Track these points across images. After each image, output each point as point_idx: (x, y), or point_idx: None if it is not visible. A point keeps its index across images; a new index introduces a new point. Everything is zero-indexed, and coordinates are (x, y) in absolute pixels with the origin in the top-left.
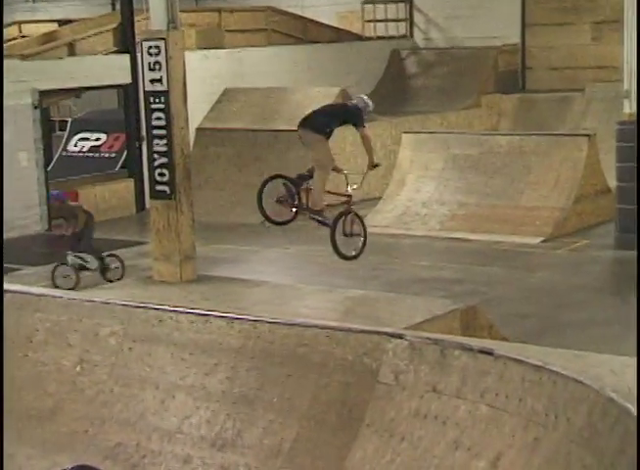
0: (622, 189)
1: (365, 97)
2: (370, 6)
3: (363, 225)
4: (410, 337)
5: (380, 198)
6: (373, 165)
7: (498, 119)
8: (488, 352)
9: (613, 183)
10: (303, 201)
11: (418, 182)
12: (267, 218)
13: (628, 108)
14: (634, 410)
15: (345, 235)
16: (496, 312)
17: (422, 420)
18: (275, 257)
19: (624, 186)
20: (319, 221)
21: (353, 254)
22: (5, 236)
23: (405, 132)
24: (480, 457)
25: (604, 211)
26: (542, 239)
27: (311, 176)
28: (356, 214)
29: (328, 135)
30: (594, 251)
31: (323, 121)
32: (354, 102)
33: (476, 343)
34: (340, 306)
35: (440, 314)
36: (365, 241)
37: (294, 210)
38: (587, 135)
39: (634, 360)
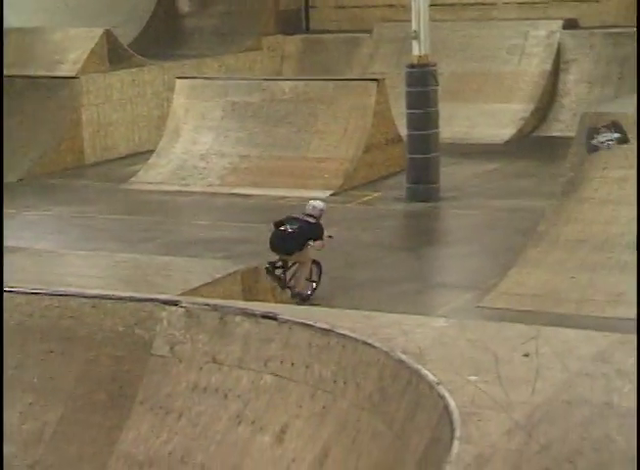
0: (413, 137)
1: (321, 204)
2: None
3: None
4: (186, 303)
5: (153, 151)
6: (328, 236)
7: (281, 63)
8: (272, 318)
9: (404, 131)
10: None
11: (195, 133)
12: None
13: (417, 50)
14: (426, 372)
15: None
16: None
17: (201, 394)
18: (34, 219)
19: (415, 134)
20: (294, 295)
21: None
22: None
23: (179, 78)
24: (264, 431)
25: (396, 162)
26: (331, 192)
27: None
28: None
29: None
30: (385, 204)
31: (298, 243)
32: (316, 214)
33: (258, 307)
34: (107, 273)
35: (220, 277)
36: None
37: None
38: (376, 80)
39: (426, 319)
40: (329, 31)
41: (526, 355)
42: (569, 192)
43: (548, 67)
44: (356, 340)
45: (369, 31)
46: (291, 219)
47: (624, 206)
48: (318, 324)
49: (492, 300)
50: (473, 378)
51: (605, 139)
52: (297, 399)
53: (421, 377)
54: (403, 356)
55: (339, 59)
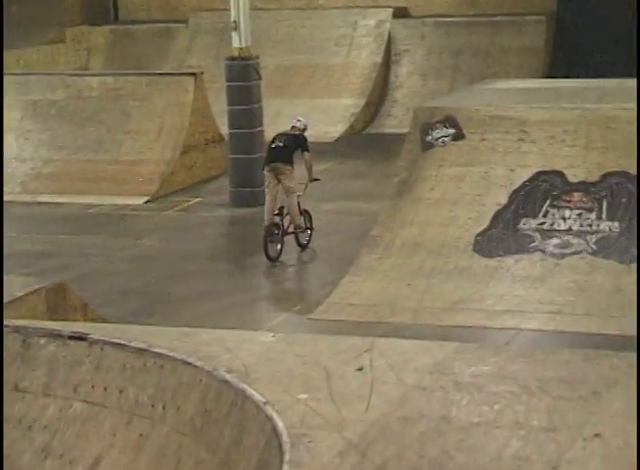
0: (235, 137)
1: (303, 119)
2: None
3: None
4: None
5: None
6: (312, 180)
7: (88, 57)
8: (81, 338)
9: (226, 130)
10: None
11: None
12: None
13: (238, 41)
14: (253, 392)
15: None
16: (93, 290)
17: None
18: None
19: (237, 133)
20: (297, 239)
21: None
22: None
23: None
24: (75, 464)
25: (217, 163)
26: (147, 198)
27: (281, 213)
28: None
29: (293, 163)
30: (207, 210)
31: (288, 152)
32: (300, 126)
33: (65, 327)
34: None
35: (21, 296)
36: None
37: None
38: (193, 74)
39: (252, 334)
40: (140, 21)
41: (360, 369)
42: (403, 193)
43: (379, 58)
44: (175, 359)
45: (184, 21)
46: (278, 135)
47: (461, 206)
48: (133, 344)
49: (324, 311)
50: (303, 396)
51: (439, 135)
52: (110, 427)
53: (247, 397)
54: (227, 376)
55: (152, 52)
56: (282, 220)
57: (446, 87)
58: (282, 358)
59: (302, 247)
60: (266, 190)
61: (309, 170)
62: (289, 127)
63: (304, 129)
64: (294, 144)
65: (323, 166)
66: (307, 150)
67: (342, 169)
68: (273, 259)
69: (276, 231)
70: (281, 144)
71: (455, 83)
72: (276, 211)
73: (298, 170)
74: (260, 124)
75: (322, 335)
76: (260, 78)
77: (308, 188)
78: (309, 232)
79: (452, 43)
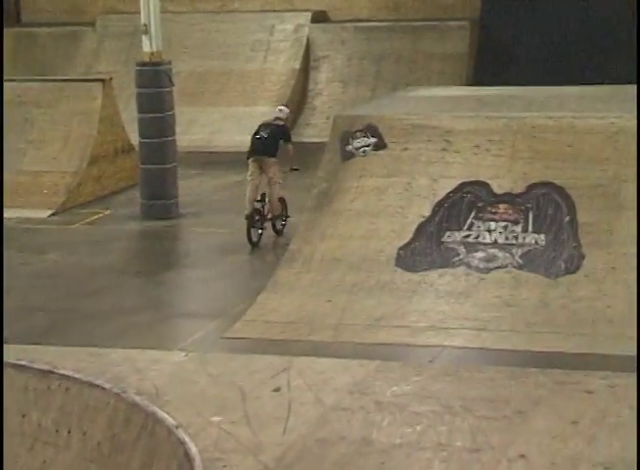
0: (146, 146)
1: (286, 109)
2: None
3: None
4: None
5: None
6: (292, 169)
7: None
8: None
9: (136, 139)
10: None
11: None
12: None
13: (148, 46)
14: (164, 414)
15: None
16: None
17: None
18: None
19: (148, 143)
20: (274, 225)
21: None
22: None
23: None
24: None
25: (127, 174)
26: (52, 212)
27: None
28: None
29: (276, 154)
30: (117, 223)
31: (273, 143)
32: (283, 116)
33: None
34: None
35: None
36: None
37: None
38: (101, 80)
39: (163, 354)
40: (45, 24)
41: (277, 390)
42: (323, 204)
43: (297, 64)
44: (82, 381)
45: (92, 24)
46: (262, 126)
47: (383, 218)
48: (36, 365)
49: (240, 329)
50: (216, 418)
51: (360, 145)
52: (12, 453)
53: (157, 421)
54: (137, 398)
55: (57, 56)
56: (263, 207)
57: (367, 94)
58: (195, 379)
59: (278, 233)
60: (249, 178)
61: (291, 160)
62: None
63: (287, 119)
64: (278, 134)
65: (239, 178)
66: (290, 140)
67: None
68: (254, 244)
69: (257, 218)
70: (265, 135)
71: (377, 90)
72: (258, 198)
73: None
74: (173, 133)
75: (237, 354)
76: (173, 85)
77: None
78: (285, 219)
79: (373, 49)
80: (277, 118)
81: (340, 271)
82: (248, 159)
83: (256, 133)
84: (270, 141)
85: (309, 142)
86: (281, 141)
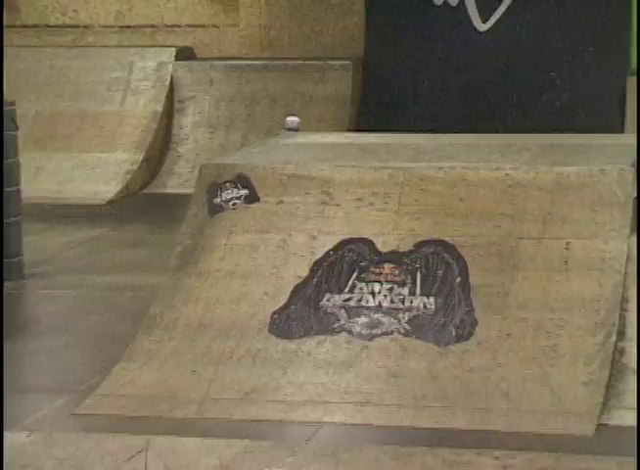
0: None
1: (296, 118)
2: None
3: None
4: None
5: None
6: None
7: None
8: None
9: None
10: None
11: None
12: None
13: None
14: None
15: None
16: None
17: None
18: None
19: None
20: None
21: None
22: None
23: None
24: None
25: None
26: None
27: None
28: None
29: None
30: None
31: None
32: (295, 126)
33: None
34: None
35: None
36: None
37: None
38: None
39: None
40: None
41: None
42: (187, 264)
43: (159, 107)
44: None
45: None
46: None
47: (255, 279)
48: None
49: (92, 405)
50: None
51: (230, 197)
52: None
53: None
54: None
55: None
56: None
57: (239, 141)
58: (38, 463)
59: None
60: None
61: None
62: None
63: (298, 129)
64: None
65: (93, 233)
66: None
67: (115, 237)
68: None
69: None
70: None
71: (249, 136)
72: None
73: None
74: (17, 183)
75: (88, 433)
76: (17, 128)
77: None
78: None
79: (246, 90)
80: (289, 130)
81: (206, 339)
82: None
83: None
84: None
85: (173, 193)
86: None
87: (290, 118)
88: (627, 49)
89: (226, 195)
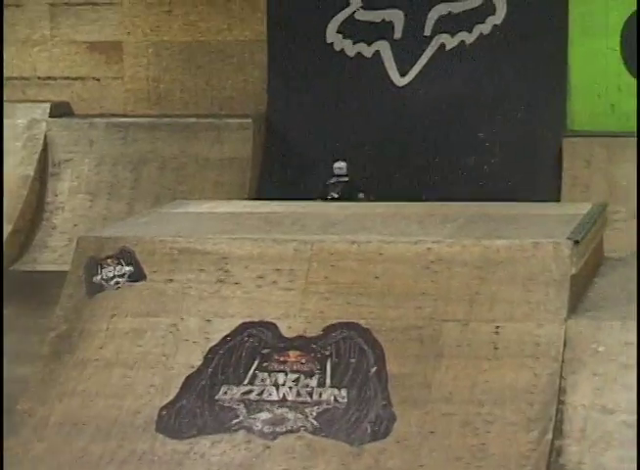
0: None
1: (343, 162)
2: None
3: None
4: None
5: None
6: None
7: None
8: None
9: None
10: None
11: None
12: None
13: None
14: None
15: None
16: None
17: None
18: None
19: None
20: None
21: None
22: None
23: None
24: None
25: None
26: None
27: None
28: None
29: None
30: None
31: None
32: (344, 172)
33: None
34: None
35: None
36: None
37: None
38: None
39: None
40: None
41: None
42: (62, 352)
43: (31, 170)
44: None
45: None
46: (330, 185)
47: (141, 369)
48: None
49: None
50: None
51: (112, 275)
52: None
53: None
54: None
55: None
56: None
57: (123, 210)
58: None
59: None
60: None
61: None
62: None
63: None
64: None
65: None
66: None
67: None
68: None
69: None
70: (337, 196)
71: (135, 205)
72: None
73: None
74: None
75: None
76: None
77: None
78: None
79: (131, 152)
80: (339, 176)
81: (83, 439)
82: None
83: (325, 193)
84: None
85: (46, 271)
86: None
87: (338, 164)
88: (564, 108)
89: (107, 272)
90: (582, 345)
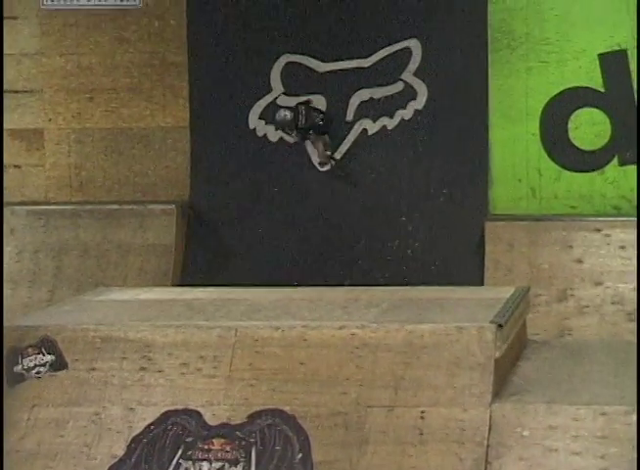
0: None
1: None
2: None
3: None
4: None
5: None
6: None
7: None
8: None
9: None
10: None
11: None
12: None
13: None
14: None
15: None
16: None
17: None
18: None
19: None
20: None
21: None
22: None
23: None
24: None
25: None
26: None
27: None
28: None
29: None
30: None
31: None
32: None
33: None
34: None
35: None
36: None
37: None
38: None
39: None
40: None
41: None
42: None
43: None
44: None
45: None
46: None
47: (64, 460)
48: None
49: None
50: None
51: (33, 364)
52: None
53: None
54: None
55: None
56: None
57: (45, 298)
58: None
59: None
60: None
61: None
62: None
63: None
64: None
65: None
66: None
67: None
68: None
69: None
70: None
71: (56, 293)
72: None
73: None
74: None
75: None
76: None
77: None
78: None
79: (52, 239)
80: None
81: None
82: None
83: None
84: None
85: None
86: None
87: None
88: (485, 192)
89: (28, 362)
90: (507, 429)
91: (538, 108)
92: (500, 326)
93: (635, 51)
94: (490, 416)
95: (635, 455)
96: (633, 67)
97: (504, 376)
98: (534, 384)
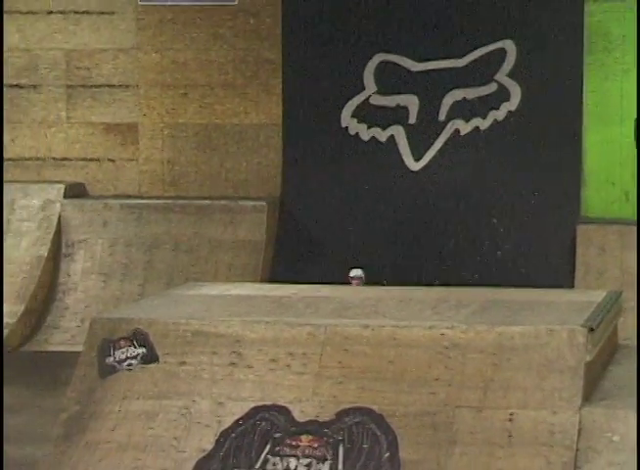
0: None
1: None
2: None
3: None
4: None
5: None
6: None
7: None
8: None
9: None
10: None
11: None
12: None
13: None
14: None
15: None
16: None
17: None
18: None
19: None
20: None
21: None
22: None
23: None
24: None
25: None
26: None
27: None
28: None
29: None
30: None
31: None
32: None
33: None
34: None
35: None
36: None
37: None
38: None
39: None
40: None
41: None
42: (73, 434)
43: (44, 251)
44: None
45: None
46: None
47: (152, 453)
48: None
49: None
50: None
51: (124, 357)
52: None
53: None
54: None
55: None
56: None
57: (136, 291)
58: None
59: None
60: None
61: None
62: None
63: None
64: None
65: None
66: None
67: None
68: None
69: None
70: None
71: (148, 287)
72: None
73: None
74: None
75: None
76: None
77: None
78: None
79: (144, 233)
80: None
81: None
82: None
83: None
84: None
85: (58, 351)
86: None
87: (353, 275)
88: (578, 195)
89: (120, 354)
90: (597, 433)
91: (633, 111)
92: (592, 330)
93: None
94: (580, 420)
95: None
96: None
97: (594, 380)
98: (625, 389)
